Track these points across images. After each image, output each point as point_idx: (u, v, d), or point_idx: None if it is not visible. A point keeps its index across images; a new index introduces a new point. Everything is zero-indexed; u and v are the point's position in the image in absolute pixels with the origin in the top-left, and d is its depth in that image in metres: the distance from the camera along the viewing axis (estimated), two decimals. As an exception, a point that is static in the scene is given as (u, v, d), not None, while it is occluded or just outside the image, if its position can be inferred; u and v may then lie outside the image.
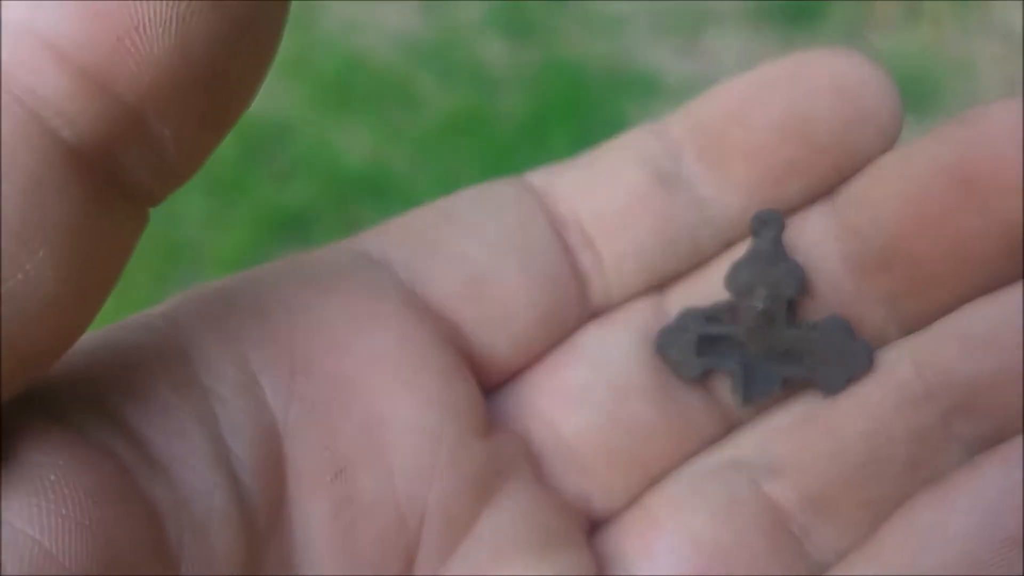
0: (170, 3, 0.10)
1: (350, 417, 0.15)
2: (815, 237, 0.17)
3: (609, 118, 0.98)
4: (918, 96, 0.99)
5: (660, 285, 0.18)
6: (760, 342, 0.17)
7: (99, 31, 0.10)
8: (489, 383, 0.18)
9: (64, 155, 0.10)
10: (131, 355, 0.14)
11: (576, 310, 0.18)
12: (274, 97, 0.93)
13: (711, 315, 0.18)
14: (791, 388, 0.18)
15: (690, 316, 0.18)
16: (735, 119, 0.17)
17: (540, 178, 0.18)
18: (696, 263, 0.18)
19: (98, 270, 0.11)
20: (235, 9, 0.10)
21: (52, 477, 0.11)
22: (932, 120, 0.98)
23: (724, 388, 0.18)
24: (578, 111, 0.98)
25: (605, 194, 0.18)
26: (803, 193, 0.18)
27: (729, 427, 0.18)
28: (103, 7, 0.10)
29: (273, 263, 0.16)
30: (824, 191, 0.18)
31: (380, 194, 0.91)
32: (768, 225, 0.17)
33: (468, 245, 0.17)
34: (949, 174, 0.16)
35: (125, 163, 0.11)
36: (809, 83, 0.17)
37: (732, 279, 0.17)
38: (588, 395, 0.18)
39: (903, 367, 0.17)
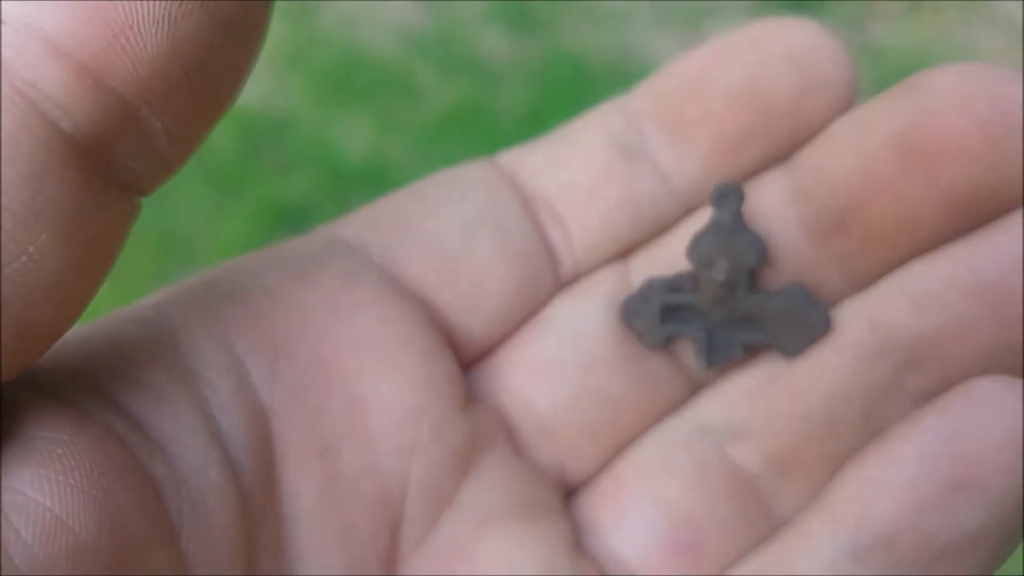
0: (162, 3, 0.10)
1: (333, 397, 0.16)
2: (772, 203, 0.18)
3: (610, 110, 0.99)
4: (919, 87, 1.00)
5: (626, 253, 0.19)
6: (722, 310, 0.18)
7: (96, 29, 0.10)
8: (466, 359, 0.18)
9: (63, 145, 0.11)
10: (124, 343, 0.14)
11: (548, 284, 0.18)
12: (274, 90, 0.93)
13: (673, 285, 0.18)
14: (753, 352, 0.18)
15: (653, 286, 0.18)
16: (693, 89, 0.18)
17: (509, 158, 0.19)
18: (660, 230, 0.19)
19: (95, 254, 0.12)
20: (223, 8, 0.11)
21: (59, 451, 0.12)
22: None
23: (688, 353, 0.18)
24: (579, 103, 0.98)
25: (572, 170, 0.18)
26: (761, 158, 0.18)
27: (694, 390, 0.19)
28: (100, 7, 0.10)
29: (254, 252, 0.17)
30: (781, 156, 0.18)
31: (380, 186, 0.91)
32: (728, 197, 0.17)
33: (441, 225, 0.18)
34: (898, 141, 0.17)
35: (119, 153, 0.11)
36: (764, 52, 0.18)
37: (694, 250, 0.18)
38: (558, 368, 0.18)
39: (857, 327, 0.17)
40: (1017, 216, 0.16)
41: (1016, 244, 0.16)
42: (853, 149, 0.17)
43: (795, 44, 0.17)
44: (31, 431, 0.12)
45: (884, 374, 0.17)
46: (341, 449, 0.16)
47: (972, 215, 0.16)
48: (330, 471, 0.16)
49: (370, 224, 0.18)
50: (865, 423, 0.17)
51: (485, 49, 1.02)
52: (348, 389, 0.16)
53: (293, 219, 0.88)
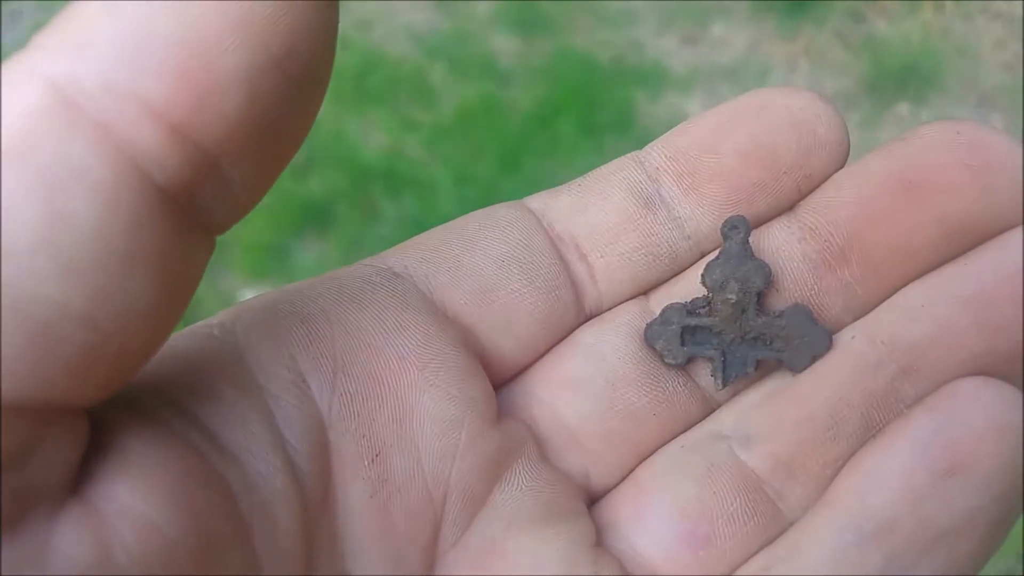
0: (242, 68, 0.12)
1: (383, 409, 0.17)
2: (779, 242, 0.20)
3: (618, 107, 0.99)
4: (919, 81, 1.00)
5: (645, 291, 0.21)
6: (734, 329, 0.20)
7: (186, 92, 0.11)
8: (497, 380, 0.20)
9: (156, 196, 0.12)
10: (195, 360, 0.16)
11: (573, 314, 0.20)
12: (294, 91, 0.95)
13: (691, 309, 0.20)
14: (764, 369, 0.20)
15: (673, 310, 0.20)
16: (707, 148, 0.20)
17: (537, 201, 0.21)
18: (675, 271, 0.21)
19: (180, 288, 0.13)
20: (294, 68, 0.12)
21: (149, 463, 0.13)
22: (933, 105, 0.99)
23: (705, 375, 0.20)
24: (587, 101, 1.00)
25: (596, 214, 0.20)
26: (768, 209, 0.20)
27: (709, 409, 0.20)
28: (190, 73, 0.11)
29: (311, 279, 0.18)
30: (786, 207, 0.20)
31: (397, 183, 0.93)
32: (737, 228, 0.19)
33: (477, 259, 0.19)
34: (893, 179, 0.19)
35: (201, 200, 0.13)
36: (771, 116, 0.20)
37: (707, 276, 0.20)
38: (585, 385, 0.20)
39: (858, 342, 0.19)
40: (1001, 239, 0.18)
41: (1000, 260, 0.18)
42: (854, 189, 0.19)
43: (797, 109, 0.19)
44: (128, 445, 0.13)
45: (882, 382, 0.19)
46: (390, 455, 0.17)
47: (960, 242, 0.19)
48: (379, 475, 0.17)
49: (415, 256, 0.19)
50: (866, 428, 0.19)
51: (496, 49, 1.04)
52: (396, 401, 0.17)
53: (314, 214, 0.90)
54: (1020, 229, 0.18)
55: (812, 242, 0.20)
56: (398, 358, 0.18)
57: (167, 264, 0.12)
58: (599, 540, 0.19)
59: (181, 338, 0.16)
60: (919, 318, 0.18)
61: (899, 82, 1.00)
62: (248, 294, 0.86)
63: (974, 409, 0.17)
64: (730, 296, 0.19)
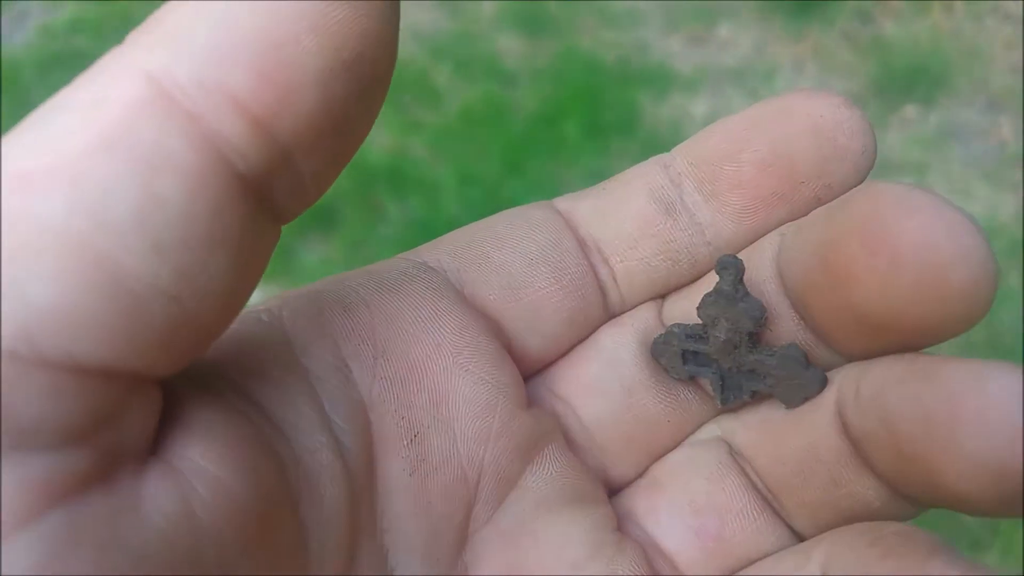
0: (317, 69, 0.13)
1: (421, 392, 0.18)
2: (763, 273, 0.19)
3: (623, 108, 0.99)
4: (927, 83, 1.00)
5: (664, 294, 0.21)
6: (728, 361, 0.20)
7: (269, 88, 0.13)
8: (523, 373, 0.20)
9: (237, 183, 0.13)
10: (246, 342, 0.17)
11: (598, 315, 0.21)
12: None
13: (691, 333, 0.20)
14: (759, 398, 0.20)
15: (674, 332, 0.20)
16: (727, 156, 0.20)
17: (563, 203, 0.21)
18: (695, 276, 0.21)
19: (252, 270, 0.14)
20: (363, 72, 0.13)
21: (217, 430, 0.14)
22: (941, 107, 0.98)
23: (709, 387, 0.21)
24: (592, 102, 1.00)
25: (618, 219, 0.21)
26: (787, 218, 0.20)
27: (718, 413, 0.21)
28: (274, 69, 0.12)
29: (350, 272, 0.19)
30: (805, 215, 0.20)
31: (401, 184, 0.94)
32: (728, 269, 0.19)
33: (507, 256, 0.20)
34: (858, 236, 0.17)
35: (274, 190, 0.14)
36: (791, 124, 0.19)
37: (701, 311, 0.20)
38: (603, 389, 0.21)
39: (832, 392, 0.18)
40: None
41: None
42: (812, 239, 0.18)
43: (819, 116, 0.19)
44: (192, 414, 0.14)
45: (847, 444, 0.18)
46: (427, 436, 0.18)
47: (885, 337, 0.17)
48: (418, 455, 0.18)
49: (447, 252, 0.20)
50: (834, 486, 0.18)
51: (501, 50, 1.04)
52: (433, 385, 0.18)
53: (319, 215, 0.91)
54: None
55: (784, 282, 0.19)
56: (434, 345, 0.19)
57: (242, 247, 0.13)
58: (620, 527, 0.20)
59: (233, 322, 0.18)
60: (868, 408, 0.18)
61: (907, 84, 1.00)
62: (253, 295, 0.86)
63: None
64: (718, 335, 0.19)
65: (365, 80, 0.13)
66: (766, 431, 0.20)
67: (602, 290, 0.21)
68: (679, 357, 0.20)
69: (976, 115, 0.98)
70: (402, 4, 0.15)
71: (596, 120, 0.98)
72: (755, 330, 0.19)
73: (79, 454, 0.12)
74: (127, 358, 0.12)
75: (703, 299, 0.20)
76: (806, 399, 0.19)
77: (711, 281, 0.20)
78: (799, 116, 0.19)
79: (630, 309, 0.21)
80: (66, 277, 0.12)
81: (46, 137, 0.12)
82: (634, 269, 0.21)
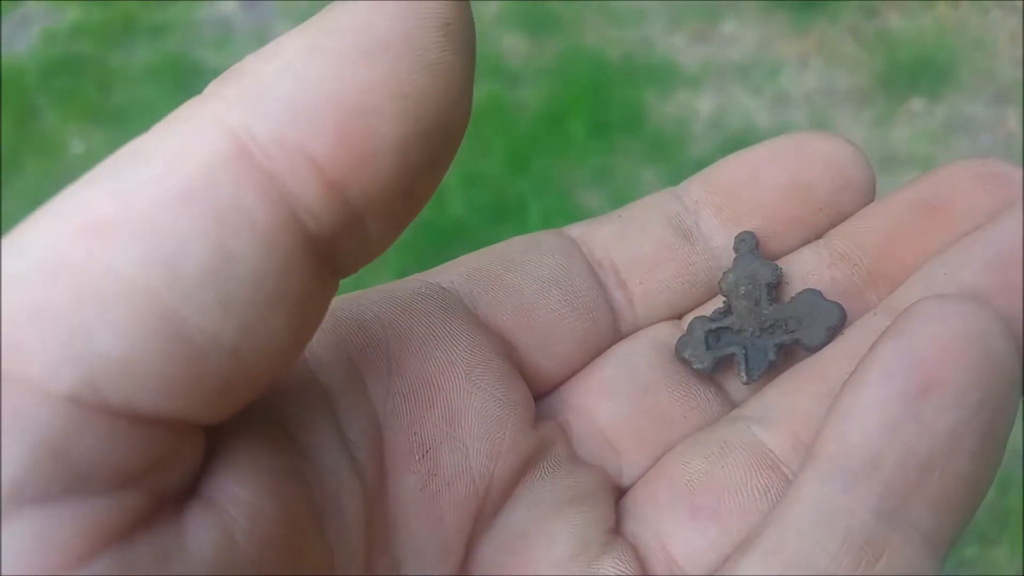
0: (396, 135, 0.13)
1: (433, 408, 0.18)
2: (809, 267, 0.21)
3: (628, 106, 0.99)
4: (933, 76, 0.99)
5: (680, 315, 0.22)
6: (752, 323, 0.21)
7: (348, 153, 0.13)
8: (535, 393, 0.21)
9: (306, 243, 0.13)
10: None
11: (608, 335, 0.21)
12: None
13: (712, 317, 0.21)
14: (785, 354, 0.21)
15: (697, 321, 0.21)
16: (746, 183, 0.22)
17: (578, 230, 0.22)
18: (710, 298, 0.22)
19: (309, 324, 0.14)
20: (439, 140, 0.14)
21: (247, 458, 0.15)
22: (947, 101, 0.98)
23: (731, 380, 0.21)
24: (597, 100, 1.00)
25: (636, 243, 0.22)
26: (803, 242, 0.22)
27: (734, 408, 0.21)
28: (351, 136, 0.13)
29: (366, 290, 0.20)
30: (819, 238, 0.22)
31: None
32: (745, 241, 0.21)
33: (519, 280, 0.21)
34: (920, 206, 0.20)
35: (340, 249, 0.14)
36: (806, 156, 0.21)
37: (722, 282, 0.21)
38: (616, 389, 0.21)
39: (878, 318, 0.19)
40: (1009, 210, 0.19)
41: (1011, 227, 0.18)
42: (881, 217, 0.21)
43: (829, 152, 0.21)
44: (226, 443, 0.15)
45: None
46: (439, 452, 0.18)
47: None
48: (429, 470, 0.18)
49: (461, 274, 0.21)
50: None
51: (505, 49, 1.04)
52: (446, 402, 0.19)
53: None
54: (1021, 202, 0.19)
55: (841, 267, 0.21)
56: (447, 362, 0.19)
57: (304, 303, 0.13)
58: (619, 527, 0.20)
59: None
60: (941, 286, 0.18)
61: (913, 77, 0.99)
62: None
63: (936, 325, 0.16)
64: (740, 292, 0.21)
65: (439, 146, 0.14)
66: (800, 377, 0.20)
67: (614, 312, 0.21)
68: (703, 344, 0.21)
69: (983, 108, 0.97)
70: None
71: (601, 118, 0.98)
72: (773, 281, 0.21)
73: (131, 497, 0.12)
74: (183, 408, 0.13)
75: (723, 274, 0.21)
76: (828, 329, 0.20)
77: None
78: (812, 150, 0.21)
79: (645, 327, 0.22)
80: (133, 328, 0.12)
81: (123, 186, 0.12)
82: (652, 291, 0.22)
